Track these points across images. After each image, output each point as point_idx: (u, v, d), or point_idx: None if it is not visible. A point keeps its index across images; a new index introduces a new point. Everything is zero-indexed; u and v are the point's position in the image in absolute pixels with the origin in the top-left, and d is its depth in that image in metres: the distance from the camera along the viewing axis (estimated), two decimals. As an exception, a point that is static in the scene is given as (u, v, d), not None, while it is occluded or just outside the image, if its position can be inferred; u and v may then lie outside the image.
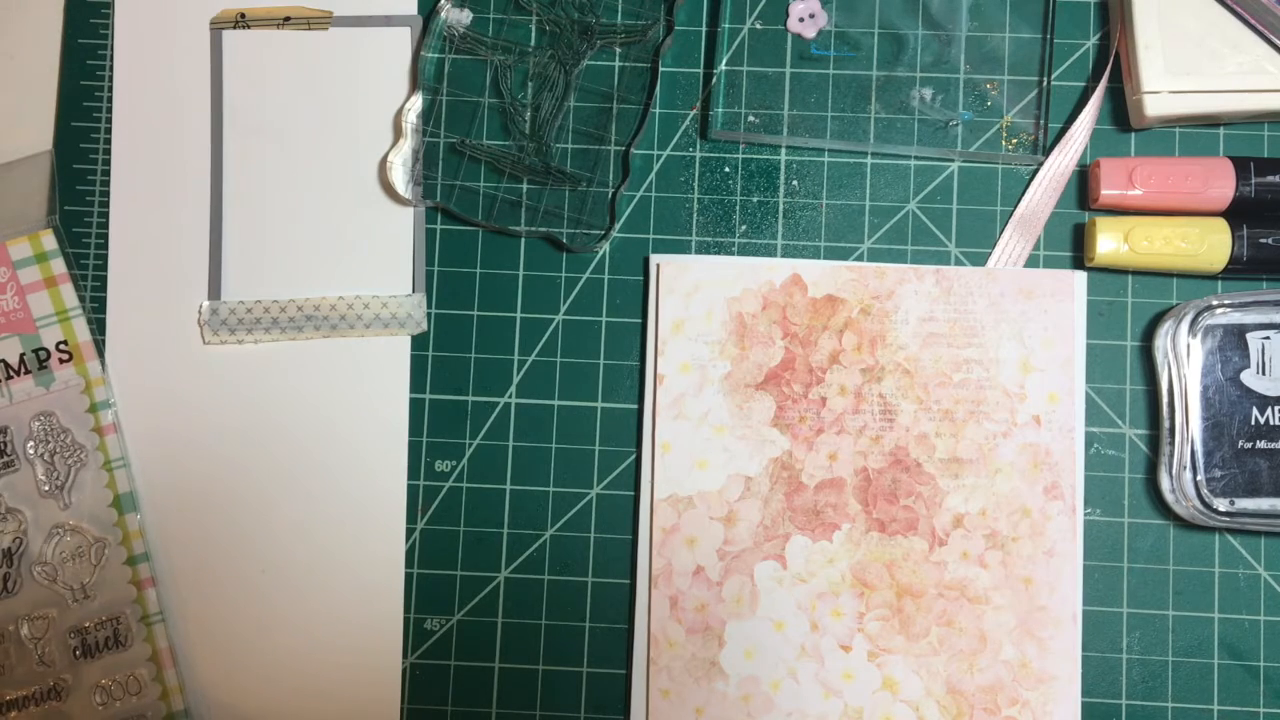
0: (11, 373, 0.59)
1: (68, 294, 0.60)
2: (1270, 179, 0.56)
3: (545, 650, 0.59)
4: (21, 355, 0.59)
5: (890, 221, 0.60)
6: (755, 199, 0.60)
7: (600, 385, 0.60)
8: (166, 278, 0.61)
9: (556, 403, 0.60)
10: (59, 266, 0.60)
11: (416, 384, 0.60)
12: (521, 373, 0.60)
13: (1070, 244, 0.59)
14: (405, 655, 0.59)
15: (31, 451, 0.59)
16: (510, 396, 0.60)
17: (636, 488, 0.59)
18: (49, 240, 0.60)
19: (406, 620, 0.59)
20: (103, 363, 0.60)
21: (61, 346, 0.60)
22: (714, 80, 0.60)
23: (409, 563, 0.59)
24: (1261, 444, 0.56)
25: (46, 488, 0.59)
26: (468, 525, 0.59)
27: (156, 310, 0.60)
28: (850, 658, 0.57)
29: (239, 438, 0.60)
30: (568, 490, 0.59)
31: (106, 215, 0.61)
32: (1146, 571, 0.58)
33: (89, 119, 0.62)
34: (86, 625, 0.58)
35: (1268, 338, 0.56)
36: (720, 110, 0.60)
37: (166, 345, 0.60)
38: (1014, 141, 0.59)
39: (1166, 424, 0.57)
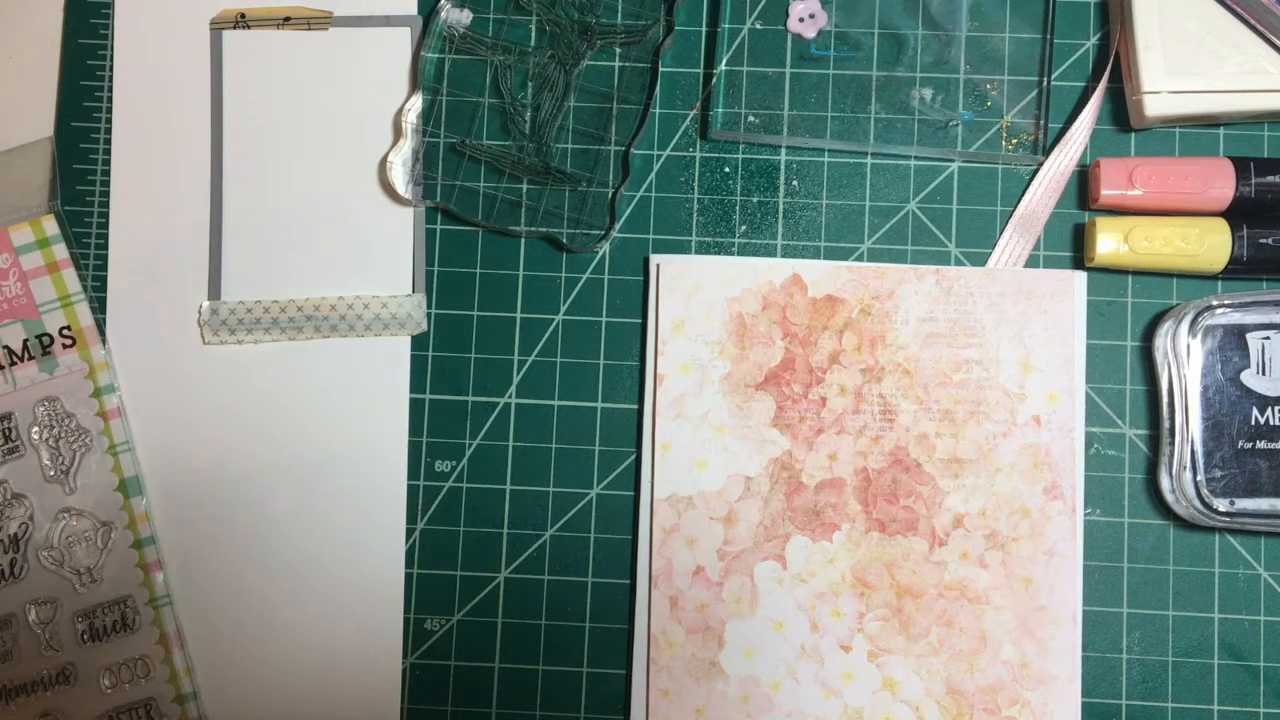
0: (15, 358, 0.59)
1: (70, 279, 0.60)
2: (1270, 179, 0.56)
3: (545, 650, 0.59)
4: (25, 341, 0.59)
5: (890, 221, 0.60)
6: (755, 199, 0.60)
7: (600, 385, 0.60)
8: (166, 278, 0.61)
9: (556, 403, 0.60)
10: (61, 252, 0.60)
11: (416, 384, 0.60)
12: (521, 373, 0.60)
13: (1070, 244, 0.59)
14: (405, 655, 0.59)
15: (36, 437, 0.59)
16: (510, 397, 0.60)
17: (636, 488, 0.59)
18: (51, 225, 0.60)
19: (406, 620, 0.59)
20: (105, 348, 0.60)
21: (65, 331, 0.60)
22: (714, 80, 0.60)
23: (409, 563, 0.59)
24: (1261, 444, 0.56)
25: (52, 473, 0.59)
26: (468, 525, 0.59)
27: (156, 311, 0.60)
28: (850, 658, 0.57)
29: (239, 438, 0.60)
30: (568, 490, 0.59)
31: (106, 215, 0.61)
32: (1146, 571, 0.58)
33: (89, 119, 0.62)
34: (94, 609, 0.58)
35: (1268, 338, 0.56)
36: (720, 110, 0.60)
37: (167, 345, 0.60)
38: (1014, 141, 0.59)
39: (1166, 424, 0.57)
